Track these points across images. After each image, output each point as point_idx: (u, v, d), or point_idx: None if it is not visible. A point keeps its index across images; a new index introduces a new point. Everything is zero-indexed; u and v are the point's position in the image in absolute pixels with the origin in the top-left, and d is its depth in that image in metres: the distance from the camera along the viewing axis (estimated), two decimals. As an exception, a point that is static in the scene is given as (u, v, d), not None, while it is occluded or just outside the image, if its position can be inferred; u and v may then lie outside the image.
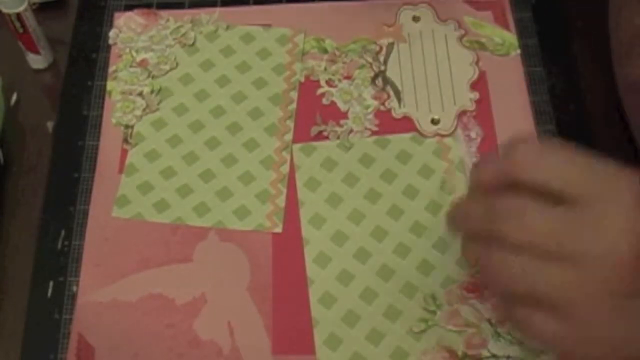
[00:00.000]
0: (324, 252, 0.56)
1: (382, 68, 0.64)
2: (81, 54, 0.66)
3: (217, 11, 0.67)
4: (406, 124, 0.61)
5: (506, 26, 0.65)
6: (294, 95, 0.63)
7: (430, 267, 0.55)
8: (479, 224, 0.46)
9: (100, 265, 0.56)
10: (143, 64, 0.64)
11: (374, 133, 0.61)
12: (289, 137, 0.61)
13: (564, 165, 0.44)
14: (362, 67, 0.64)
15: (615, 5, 0.60)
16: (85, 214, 0.58)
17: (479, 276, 0.54)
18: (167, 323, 0.54)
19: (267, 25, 0.66)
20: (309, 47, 0.65)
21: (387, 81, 0.63)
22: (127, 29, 0.66)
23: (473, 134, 0.60)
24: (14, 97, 0.65)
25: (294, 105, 0.62)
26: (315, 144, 0.60)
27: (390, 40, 0.65)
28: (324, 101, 0.62)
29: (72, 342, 0.54)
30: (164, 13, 0.67)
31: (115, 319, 0.54)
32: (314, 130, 0.61)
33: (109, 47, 0.66)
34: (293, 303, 0.54)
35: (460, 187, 0.58)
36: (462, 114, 0.61)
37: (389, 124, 0.61)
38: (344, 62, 0.64)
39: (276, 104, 0.62)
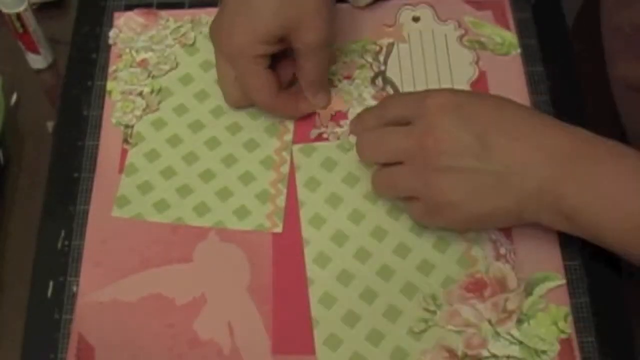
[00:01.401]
0: (324, 252, 0.56)
1: (382, 68, 0.64)
2: (81, 54, 0.66)
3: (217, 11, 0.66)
4: (406, 124, 0.61)
5: (506, 26, 0.65)
6: (294, 95, 0.63)
7: (430, 267, 0.55)
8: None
9: (100, 265, 0.56)
10: (143, 64, 0.64)
11: (374, 133, 0.61)
12: (289, 137, 0.61)
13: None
14: (362, 67, 0.64)
15: (608, 9, 0.60)
16: (85, 214, 0.58)
17: (478, 275, 0.54)
18: (167, 323, 0.54)
19: (267, 25, 0.66)
20: (309, 47, 0.65)
21: (387, 81, 0.63)
22: (127, 29, 0.66)
23: (473, 134, 0.60)
24: (14, 97, 0.65)
25: (294, 106, 0.62)
26: (315, 144, 0.60)
27: (390, 40, 0.65)
28: (324, 101, 0.62)
29: (72, 342, 0.54)
30: (164, 13, 0.67)
31: (115, 319, 0.54)
32: (314, 132, 0.61)
33: (109, 47, 0.66)
34: (293, 303, 0.54)
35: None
36: (462, 114, 0.61)
37: (389, 124, 0.61)
38: (344, 62, 0.64)
39: (276, 104, 0.62)
